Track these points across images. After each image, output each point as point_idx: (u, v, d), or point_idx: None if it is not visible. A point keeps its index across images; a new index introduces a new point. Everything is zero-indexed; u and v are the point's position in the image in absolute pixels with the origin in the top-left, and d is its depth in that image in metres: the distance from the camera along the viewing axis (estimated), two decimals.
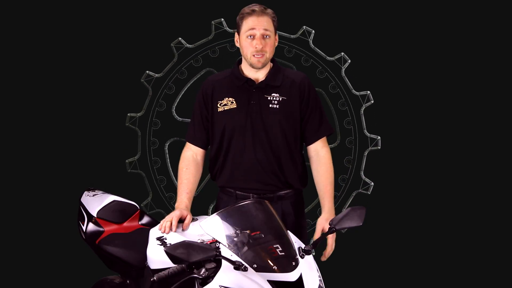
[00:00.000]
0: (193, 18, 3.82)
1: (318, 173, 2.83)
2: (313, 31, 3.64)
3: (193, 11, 3.86)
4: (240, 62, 2.86)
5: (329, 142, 2.95)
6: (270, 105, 2.78)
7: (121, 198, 2.99)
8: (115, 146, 3.88)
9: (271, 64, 2.85)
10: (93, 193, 3.07)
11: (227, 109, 2.80)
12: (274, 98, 2.79)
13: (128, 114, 3.72)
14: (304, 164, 2.92)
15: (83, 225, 2.93)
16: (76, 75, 3.95)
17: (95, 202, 2.97)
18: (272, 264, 2.10)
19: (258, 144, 2.76)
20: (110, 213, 2.92)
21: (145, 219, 2.99)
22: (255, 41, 2.71)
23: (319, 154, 2.84)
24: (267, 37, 2.73)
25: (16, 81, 3.97)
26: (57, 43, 3.95)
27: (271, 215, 2.29)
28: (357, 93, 3.66)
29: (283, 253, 2.14)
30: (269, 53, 2.75)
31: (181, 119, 3.73)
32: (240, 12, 2.78)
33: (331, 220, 2.39)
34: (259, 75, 2.81)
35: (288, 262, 2.13)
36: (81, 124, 3.95)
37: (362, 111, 3.66)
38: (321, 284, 2.19)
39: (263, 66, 2.77)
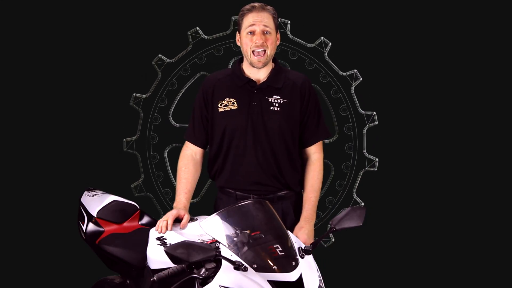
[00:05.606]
0: (215, 10, 3.80)
1: (306, 178, 2.86)
2: (330, 43, 3.63)
3: (216, 3, 3.84)
4: (241, 61, 2.84)
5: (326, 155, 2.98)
6: (271, 107, 2.76)
7: (121, 198, 2.99)
8: (114, 125, 3.85)
9: (273, 64, 2.82)
10: (93, 193, 3.07)
11: (228, 110, 2.78)
12: (275, 100, 2.77)
13: (134, 94, 3.69)
14: (302, 166, 2.91)
15: (83, 225, 2.93)
16: (85, 60, 3.95)
17: (95, 202, 2.97)
18: (272, 264, 2.10)
19: (259, 146, 2.75)
20: (110, 213, 2.92)
21: (145, 219, 2.99)
22: (255, 37, 2.69)
23: (311, 158, 2.87)
24: (268, 33, 2.71)
25: (14, 80, 3.96)
26: (74, 26, 3.93)
27: (271, 215, 2.28)
28: (363, 112, 3.66)
29: (283, 253, 2.14)
30: (270, 50, 2.72)
31: (178, 125, 3.74)
32: (241, 10, 2.77)
33: (331, 220, 2.39)
34: (260, 75, 2.79)
35: (288, 262, 2.13)
36: (84, 104, 3.95)
37: (364, 131, 3.66)
38: (321, 284, 2.19)
39: (264, 65, 2.74)
